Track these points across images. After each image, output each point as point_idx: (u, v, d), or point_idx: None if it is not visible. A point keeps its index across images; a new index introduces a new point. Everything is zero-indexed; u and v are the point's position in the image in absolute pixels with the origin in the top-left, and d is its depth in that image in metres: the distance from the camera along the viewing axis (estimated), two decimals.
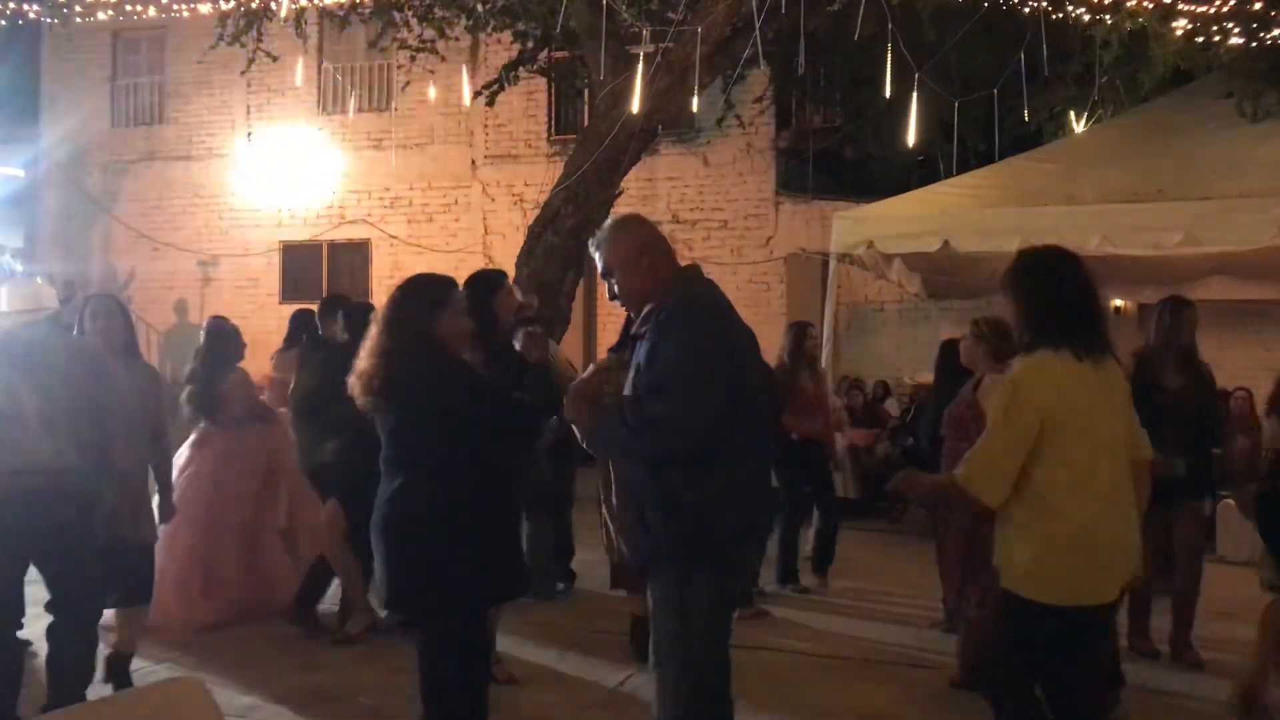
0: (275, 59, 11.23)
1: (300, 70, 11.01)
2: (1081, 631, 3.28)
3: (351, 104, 15.16)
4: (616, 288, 3.39)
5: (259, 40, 10.77)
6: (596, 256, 3.41)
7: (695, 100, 9.15)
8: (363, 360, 3.55)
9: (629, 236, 3.41)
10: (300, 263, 16.06)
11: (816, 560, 7.48)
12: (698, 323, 3.20)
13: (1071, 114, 10.59)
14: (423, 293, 3.65)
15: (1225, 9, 8.73)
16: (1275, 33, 8.74)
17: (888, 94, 8.85)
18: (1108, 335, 3.34)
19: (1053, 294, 3.28)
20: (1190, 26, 9.03)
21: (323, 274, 15.88)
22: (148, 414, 4.86)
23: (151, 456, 4.97)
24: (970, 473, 3.24)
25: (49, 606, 4.31)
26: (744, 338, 3.31)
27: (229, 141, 16.48)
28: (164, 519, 5.21)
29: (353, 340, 4.33)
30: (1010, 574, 3.29)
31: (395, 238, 15.51)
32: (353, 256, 15.79)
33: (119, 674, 4.94)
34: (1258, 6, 8.70)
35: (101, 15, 11.61)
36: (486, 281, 5.32)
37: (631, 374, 3.31)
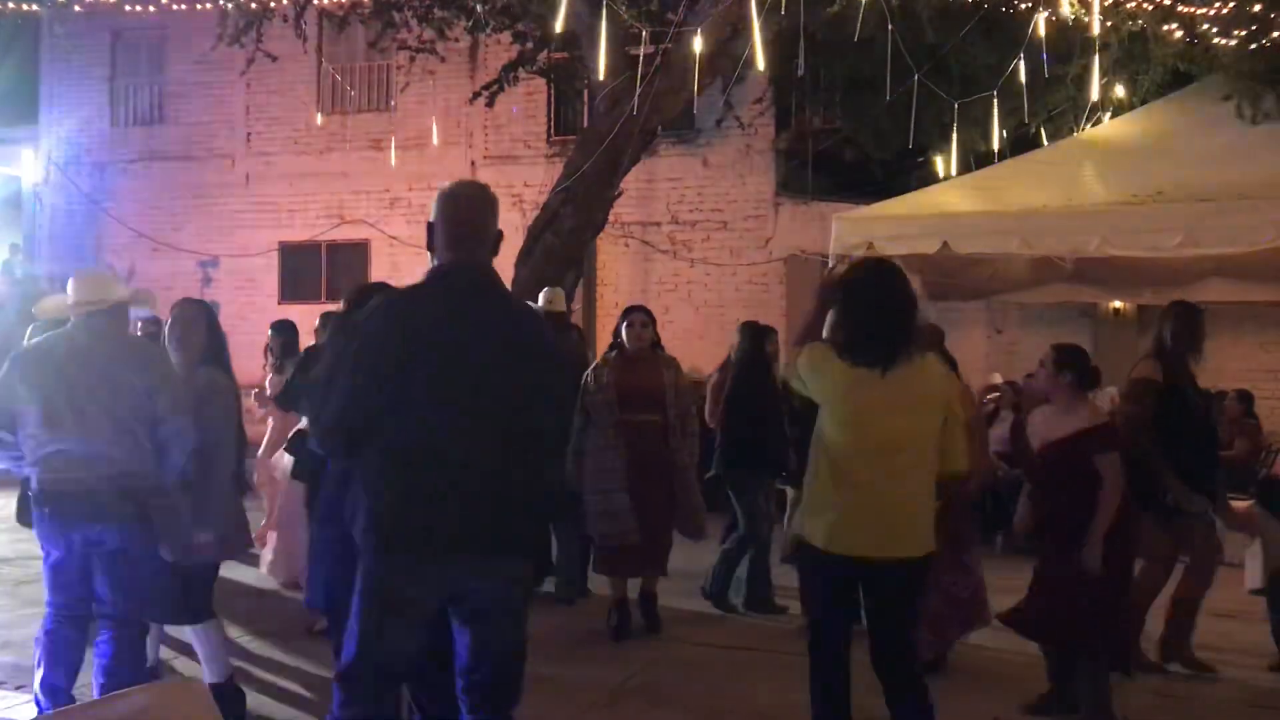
0: (275, 59, 11.25)
1: (299, 71, 11.01)
2: (845, 577, 3.83)
3: (351, 105, 15.19)
4: None
5: (259, 41, 10.78)
6: None
7: (695, 101, 9.16)
8: None
9: (434, 204, 3.38)
10: (299, 263, 16.05)
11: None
12: (364, 322, 3.26)
13: (1071, 116, 10.59)
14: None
15: (1224, 11, 8.75)
16: (1274, 35, 8.76)
17: (887, 95, 8.87)
18: (904, 347, 3.77)
19: (849, 310, 3.81)
20: (1189, 28, 9.05)
21: (322, 274, 15.88)
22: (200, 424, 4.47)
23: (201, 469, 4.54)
24: None
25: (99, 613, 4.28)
26: (423, 339, 3.14)
27: (228, 141, 16.48)
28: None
29: None
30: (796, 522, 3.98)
31: (395, 238, 15.50)
32: (352, 257, 15.78)
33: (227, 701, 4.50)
34: (1257, 9, 8.71)
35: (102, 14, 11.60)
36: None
37: None
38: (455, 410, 3.11)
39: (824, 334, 3.89)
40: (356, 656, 3.16)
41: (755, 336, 6.98)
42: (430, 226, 3.33)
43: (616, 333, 6.35)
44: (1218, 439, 6.10)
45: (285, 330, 7.49)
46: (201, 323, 4.76)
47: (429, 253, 3.35)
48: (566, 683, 5.38)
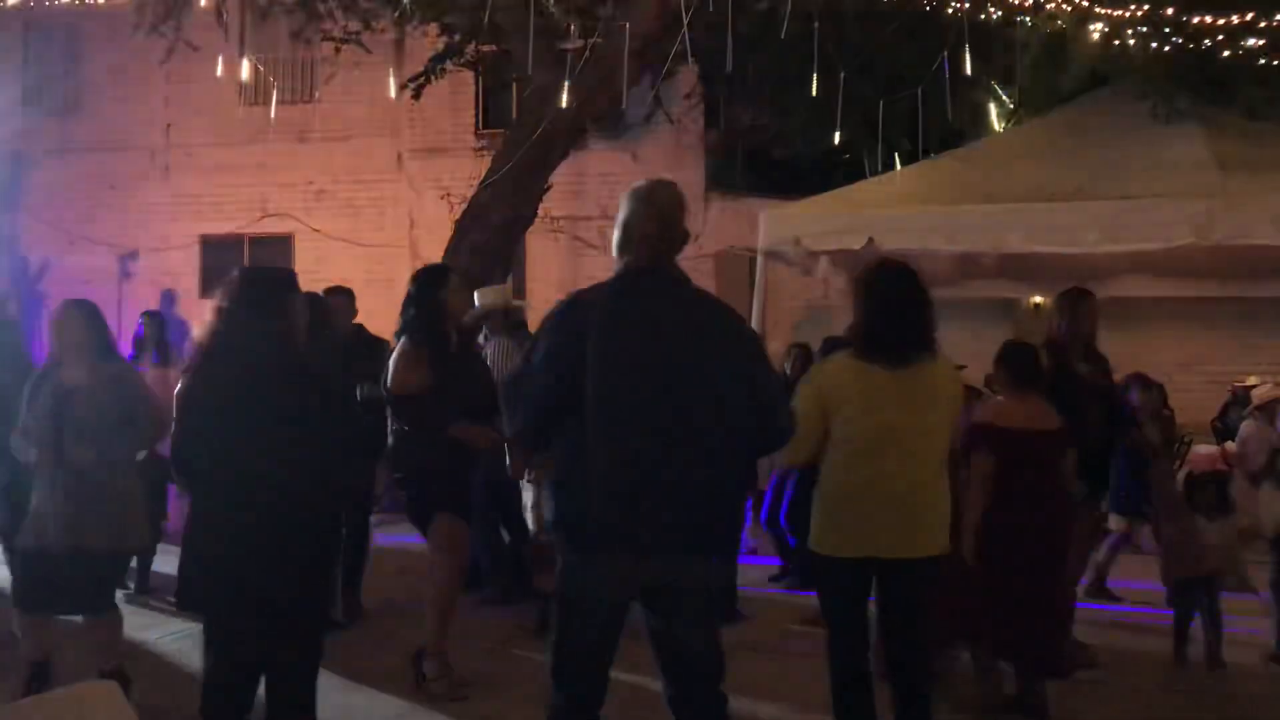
0: (196, 49, 11.00)
1: (220, 61, 10.78)
2: (861, 580, 3.85)
3: (274, 96, 14.92)
4: None
5: (178, 30, 10.55)
6: None
7: (624, 97, 9.15)
8: None
9: (622, 205, 3.40)
10: (221, 257, 15.70)
11: None
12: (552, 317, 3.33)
13: (993, 114, 10.78)
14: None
15: (1140, 14, 8.96)
16: (1186, 37, 9.00)
17: (814, 93, 8.95)
18: (916, 346, 3.84)
19: (869, 307, 3.89)
20: (1106, 30, 9.26)
21: None
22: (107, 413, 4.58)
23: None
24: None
25: None
26: (618, 335, 3.20)
27: (147, 133, 16.10)
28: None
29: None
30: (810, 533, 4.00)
31: (319, 232, 15.27)
32: (275, 251, 15.51)
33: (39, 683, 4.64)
34: (1170, 12, 8.94)
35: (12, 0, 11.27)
36: (433, 276, 5.33)
37: None
38: (652, 409, 3.13)
39: (843, 332, 4.00)
40: (556, 649, 3.25)
41: None
42: (625, 225, 3.33)
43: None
44: (1120, 418, 6.21)
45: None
46: (83, 321, 4.74)
47: (616, 252, 3.37)
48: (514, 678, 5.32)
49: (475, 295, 7.32)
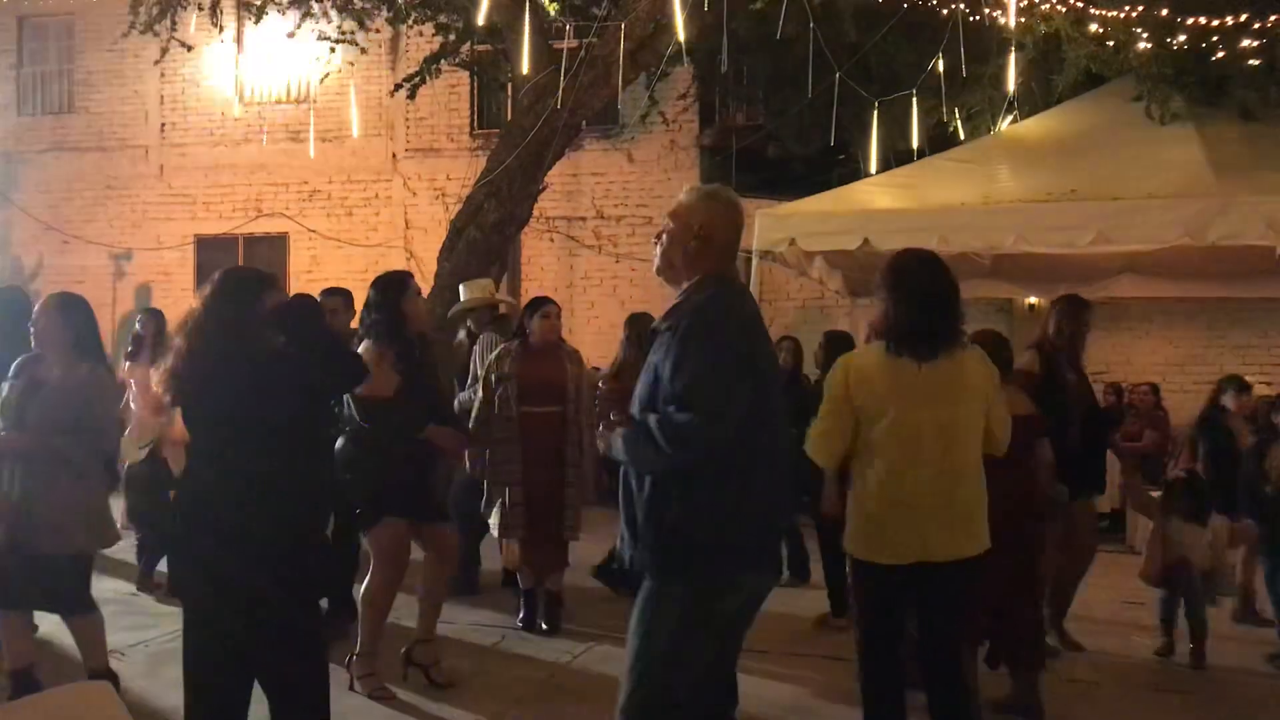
0: (190, 49, 10.99)
1: (216, 61, 10.76)
2: (901, 585, 3.74)
3: (268, 95, 14.88)
4: (658, 254, 3.34)
5: (173, 29, 10.52)
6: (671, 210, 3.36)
7: (619, 97, 9.15)
8: None
9: (697, 207, 3.30)
10: (215, 257, 15.69)
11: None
12: (722, 332, 3.12)
13: (988, 114, 10.78)
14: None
15: (1135, 15, 8.97)
16: (1181, 39, 9.01)
17: (809, 93, 8.94)
18: (945, 338, 3.76)
19: (896, 298, 3.78)
20: (1101, 31, 9.27)
21: None
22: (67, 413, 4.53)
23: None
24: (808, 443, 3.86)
25: None
26: (763, 346, 3.29)
27: (142, 132, 16.07)
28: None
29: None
30: (846, 537, 3.90)
31: (314, 232, 15.26)
32: (270, 250, 15.49)
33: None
34: (1165, 13, 8.95)
35: None
36: (395, 282, 5.32)
37: (649, 375, 3.23)
38: (780, 419, 3.26)
39: (865, 327, 4.01)
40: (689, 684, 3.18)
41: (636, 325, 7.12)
42: (707, 234, 3.27)
43: (521, 323, 6.30)
44: (1105, 426, 6.27)
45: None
46: (60, 318, 4.69)
47: (695, 262, 3.27)
48: (491, 681, 5.34)
49: (460, 289, 7.36)
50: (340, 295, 6.45)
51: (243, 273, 3.85)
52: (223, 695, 3.45)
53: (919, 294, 3.74)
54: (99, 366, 4.71)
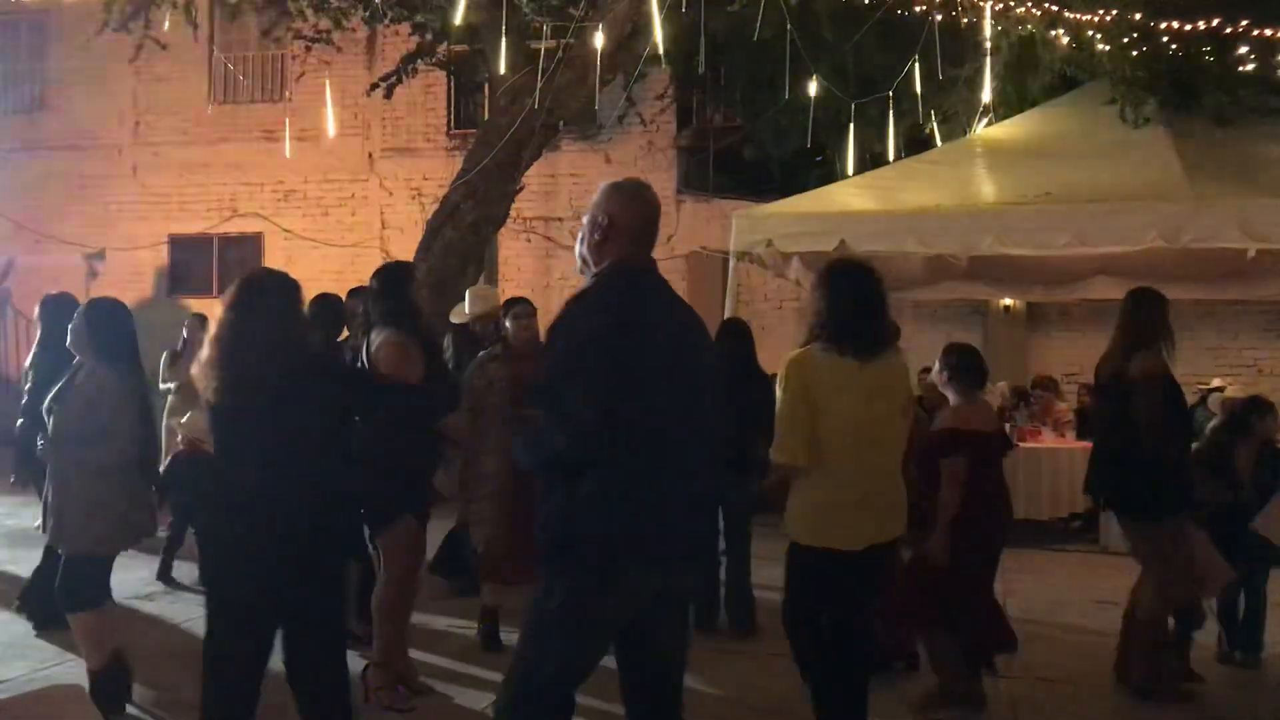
0: (164, 47, 10.90)
1: (190, 59, 10.69)
2: (846, 568, 3.91)
3: (244, 94, 14.79)
4: (576, 253, 3.29)
5: (147, 27, 10.45)
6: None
7: (596, 97, 9.14)
8: None
9: (601, 200, 3.24)
10: (190, 256, 15.62)
11: None
12: (587, 319, 3.02)
13: (964, 117, 10.83)
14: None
15: (1108, 19, 9.04)
16: (1154, 42, 9.08)
17: (786, 95, 8.96)
18: (882, 340, 4.01)
19: (837, 301, 3.97)
20: (1074, 35, 9.33)
21: (213, 268, 15.46)
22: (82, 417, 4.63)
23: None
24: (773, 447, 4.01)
25: None
26: (653, 338, 3.06)
27: (116, 131, 15.94)
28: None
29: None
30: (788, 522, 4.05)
31: (289, 232, 15.18)
32: (245, 250, 15.40)
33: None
34: (1138, 17, 9.02)
35: None
36: (402, 272, 5.29)
37: None
38: (677, 411, 3.05)
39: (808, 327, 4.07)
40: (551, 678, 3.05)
41: None
42: (610, 223, 3.17)
43: (498, 326, 6.17)
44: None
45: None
46: (84, 324, 4.76)
47: (600, 252, 3.18)
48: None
49: (467, 298, 7.11)
50: (364, 296, 6.32)
51: (268, 276, 3.79)
52: (242, 679, 3.55)
53: (858, 298, 4.00)
54: (106, 369, 4.65)
